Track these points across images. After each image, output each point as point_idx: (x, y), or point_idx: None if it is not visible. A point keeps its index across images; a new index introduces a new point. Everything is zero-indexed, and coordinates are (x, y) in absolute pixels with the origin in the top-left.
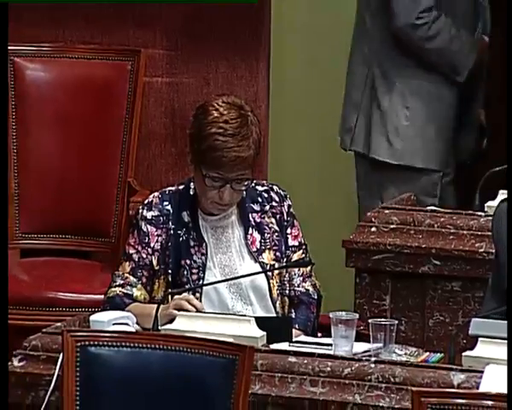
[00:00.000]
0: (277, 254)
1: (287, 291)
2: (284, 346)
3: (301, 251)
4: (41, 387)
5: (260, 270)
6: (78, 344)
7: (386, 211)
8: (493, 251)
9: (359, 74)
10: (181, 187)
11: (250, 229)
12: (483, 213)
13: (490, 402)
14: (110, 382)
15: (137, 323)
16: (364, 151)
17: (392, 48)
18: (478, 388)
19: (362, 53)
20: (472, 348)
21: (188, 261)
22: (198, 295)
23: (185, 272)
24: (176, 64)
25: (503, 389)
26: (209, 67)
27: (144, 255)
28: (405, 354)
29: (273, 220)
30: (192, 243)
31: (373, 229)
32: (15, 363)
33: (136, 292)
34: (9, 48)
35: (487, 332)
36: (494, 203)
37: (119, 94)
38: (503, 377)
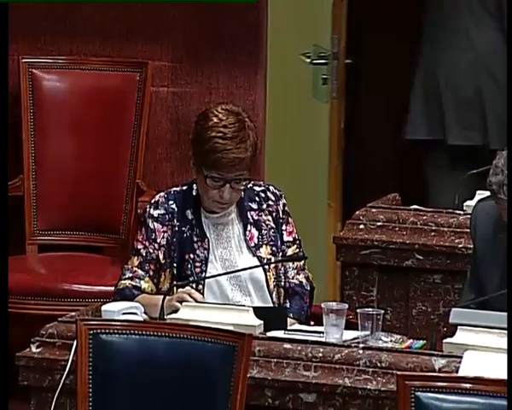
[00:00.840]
0: (273, 248)
1: (282, 283)
2: (280, 334)
3: (295, 246)
4: (57, 371)
5: (258, 264)
6: (91, 332)
7: (373, 210)
8: (471, 247)
9: (470, 75)
10: (185, 187)
11: (248, 226)
12: (462, 212)
13: (468, 385)
14: (120, 366)
15: (145, 312)
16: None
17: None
18: (457, 372)
19: (475, 53)
20: (452, 336)
21: (191, 255)
22: (201, 286)
23: (189, 266)
24: (180, 75)
25: (481, 373)
26: (211, 78)
27: (151, 250)
28: (391, 340)
29: (269, 218)
30: (195, 239)
31: (361, 226)
32: (33, 349)
33: (144, 284)
34: (28, 60)
35: (466, 321)
36: (472, 203)
37: (128, 102)
38: (481, 362)
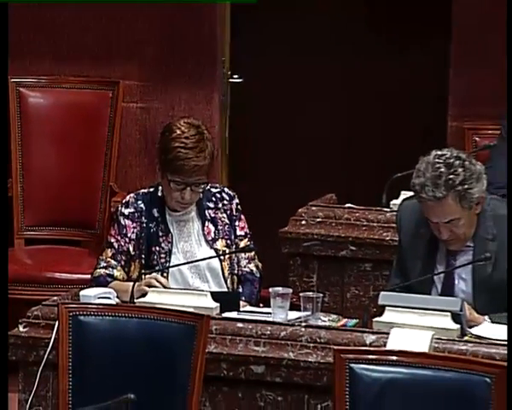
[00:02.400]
0: (228, 241)
1: (235, 271)
2: (233, 314)
3: (247, 239)
4: (41, 348)
5: (215, 255)
6: (71, 314)
7: (314, 208)
8: (397, 239)
9: None
10: (151, 189)
11: (206, 222)
12: (389, 209)
13: (394, 357)
14: (96, 344)
15: (117, 297)
16: None
17: None
18: (385, 346)
19: None
20: (380, 315)
21: (157, 248)
22: (165, 275)
23: (155, 257)
24: (147, 93)
25: (405, 347)
26: (174, 95)
27: (123, 243)
28: (328, 320)
29: (224, 215)
30: (160, 234)
31: (303, 222)
32: (21, 329)
33: (117, 273)
34: (15, 80)
35: (392, 303)
36: (398, 201)
37: (102, 116)
38: (405, 337)
